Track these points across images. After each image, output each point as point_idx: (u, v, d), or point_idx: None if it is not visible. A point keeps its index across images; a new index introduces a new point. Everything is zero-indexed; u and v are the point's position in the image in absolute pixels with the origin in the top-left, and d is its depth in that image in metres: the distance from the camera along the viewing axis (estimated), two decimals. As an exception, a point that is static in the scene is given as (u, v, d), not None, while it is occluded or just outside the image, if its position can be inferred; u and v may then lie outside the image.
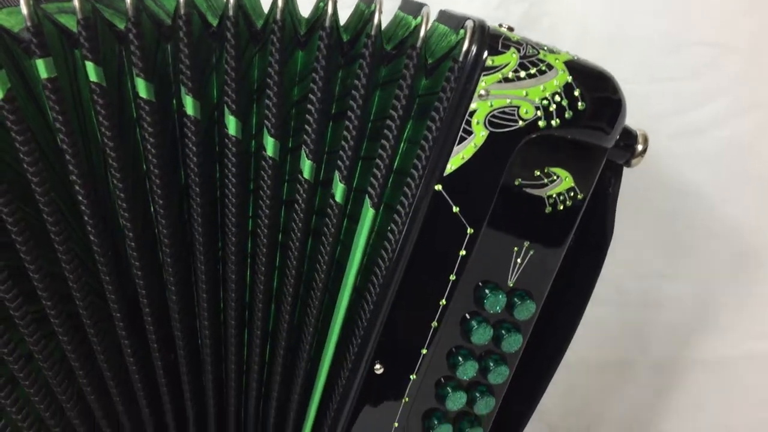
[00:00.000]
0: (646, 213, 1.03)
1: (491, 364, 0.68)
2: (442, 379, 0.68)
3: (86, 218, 0.56)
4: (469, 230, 0.60)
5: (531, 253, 0.64)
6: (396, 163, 0.61)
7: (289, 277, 0.64)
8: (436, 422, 0.70)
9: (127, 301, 0.62)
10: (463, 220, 0.60)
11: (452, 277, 0.62)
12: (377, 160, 0.59)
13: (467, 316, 0.65)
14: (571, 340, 0.75)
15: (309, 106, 0.58)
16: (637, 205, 1.01)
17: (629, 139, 0.63)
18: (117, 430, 0.69)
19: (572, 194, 0.62)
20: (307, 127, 0.58)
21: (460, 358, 0.66)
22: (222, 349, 0.68)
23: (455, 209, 0.59)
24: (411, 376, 0.65)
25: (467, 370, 0.67)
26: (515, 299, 0.65)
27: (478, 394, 0.70)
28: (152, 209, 0.60)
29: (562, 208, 0.63)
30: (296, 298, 0.66)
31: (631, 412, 1.15)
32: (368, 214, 0.61)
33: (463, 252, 0.61)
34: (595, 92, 0.58)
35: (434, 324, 0.64)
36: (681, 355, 1.11)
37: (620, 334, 1.10)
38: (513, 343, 0.67)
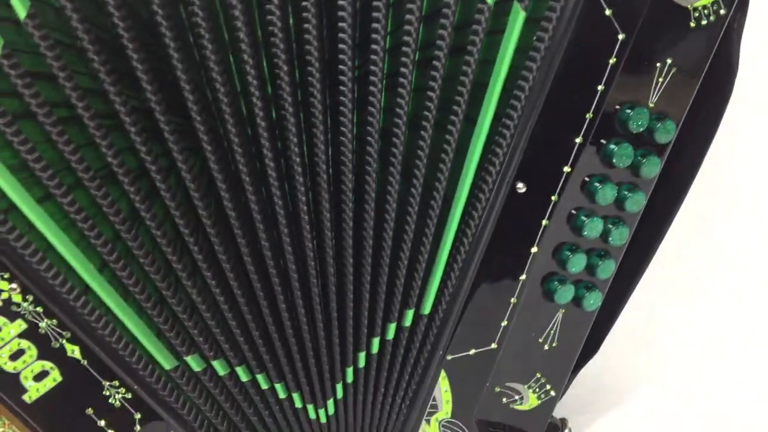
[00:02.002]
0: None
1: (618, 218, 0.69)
2: (575, 214, 0.68)
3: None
4: (621, 36, 0.61)
5: (673, 71, 0.65)
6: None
7: (433, 98, 0.64)
8: (557, 284, 0.70)
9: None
10: (615, 24, 0.61)
11: (600, 87, 0.63)
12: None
13: (603, 141, 0.66)
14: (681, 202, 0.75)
15: None
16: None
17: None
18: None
19: (716, 8, 0.63)
20: None
21: (596, 185, 0.67)
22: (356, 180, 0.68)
23: (608, 12, 0.60)
24: (552, 197, 0.66)
25: (595, 227, 0.68)
26: (656, 122, 0.66)
27: (598, 259, 0.71)
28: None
29: (705, 23, 0.64)
30: (435, 122, 0.66)
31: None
32: (518, 19, 0.62)
33: (612, 60, 0.62)
34: None
35: (578, 140, 0.65)
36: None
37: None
38: (651, 167, 0.67)
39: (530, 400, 0.76)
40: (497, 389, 0.74)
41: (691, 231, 0.94)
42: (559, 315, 0.72)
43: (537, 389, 0.76)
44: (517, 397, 0.75)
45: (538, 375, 0.75)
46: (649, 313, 0.98)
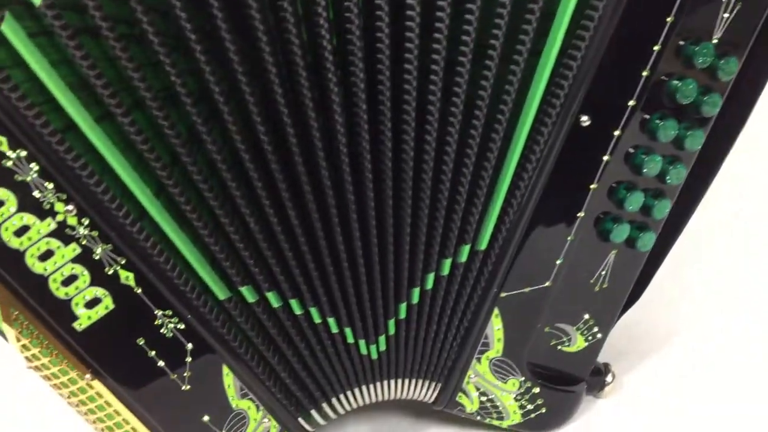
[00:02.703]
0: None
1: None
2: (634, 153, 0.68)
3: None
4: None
5: (738, 7, 0.64)
6: None
7: (501, 26, 0.63)
8: (612, 223, 0.70)
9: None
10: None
11: (669, 19, 0.62)
12: None
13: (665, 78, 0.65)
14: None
15: None
16: None
17: None
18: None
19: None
20: None
21: (658, 121, 0.66)
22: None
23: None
24: (615, 132, 0.66)
25: (655, 164, 0.68)
26: (718, 60, 0.66)
27: (653, 199, 0.70)
28: None
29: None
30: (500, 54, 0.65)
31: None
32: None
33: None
34: None
35: (645, 73, 0.64)
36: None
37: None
38: (713, 106, 0.67)
39: (578, 342, 0.76)
40: (547, 329, 0.74)
41: (733, 179, 0.94)
42: (612, 256, 0.72)
43: (585, 331, 0.75)
44: (564, 339, 0.75)
45: (587, 316, 0.75)
46: (690, 261, 0.98)
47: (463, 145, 0.64)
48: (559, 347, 0.76)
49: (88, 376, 0.68)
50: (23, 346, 0.67)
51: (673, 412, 0.79)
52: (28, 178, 0.60)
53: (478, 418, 0.75)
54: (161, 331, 0.66)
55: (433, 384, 0.73)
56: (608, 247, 0.72)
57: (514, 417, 0.75)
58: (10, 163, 0.59)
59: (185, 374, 0.68)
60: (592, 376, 0.79)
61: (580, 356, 0.77)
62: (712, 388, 0.82)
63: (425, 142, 0.63)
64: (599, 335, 0.76)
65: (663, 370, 0.85)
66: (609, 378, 0.80)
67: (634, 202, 0.69)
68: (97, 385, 0.68)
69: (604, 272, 0.73)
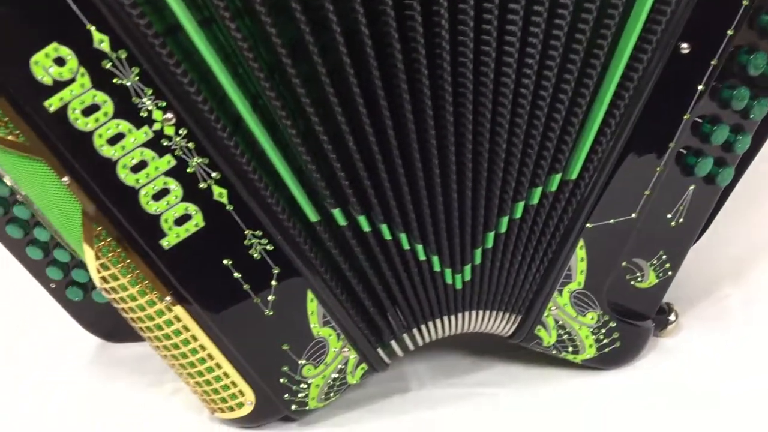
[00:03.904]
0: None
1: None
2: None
3: None
4: None
5: None
6: None
7: None
8: (695, 157, 0.71)
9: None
10: None
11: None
12: None
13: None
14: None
15: None
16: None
17: None
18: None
19: None
20: None
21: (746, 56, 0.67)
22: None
23: None
24: (712, 62, 0.66)
25: (742, 98, 0.68)
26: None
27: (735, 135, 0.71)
28: None
29: None
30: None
31: None
32: None
33: None
34: None
35: (745, 2, 0.64)
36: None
37: None
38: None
39: (650, 278, 0.76)
40: (624, 264, 0.74)
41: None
42: (690, 191, 0.72)
43: (658, 267, 0.76)
44: (638, 274, 0.75)
45: (661, 252, 0.75)
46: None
47: (562, 70, 0.63)
48: (632, 282, 0.76)
49: (168, 298, 0.65)
50: (101, 264, 0.64)
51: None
52: (128, 82, 0.57)
53: (554, 352, 0.75)
54: (249, 252, 0.64)
55: (513, 316, 0.73)
56: (688, 182, 0.72)
57: (589, 351, 0.75)
58: (109, 65, 0.56)
59: (269, 299, 0.66)
60: (657, 315, 0.80)
61: (650, 293, 0.77)
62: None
63: (527, 66, 0.62)
64: (670, 272, 0.77)
65: (721, 314, 0.86)
66: (672, 317, 0.81)
67: (720, 136, 0.69)
68: (177, 308, 0.66)
69: (681, 207, 0.73)
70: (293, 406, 0.71)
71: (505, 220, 0.68)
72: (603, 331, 0.75)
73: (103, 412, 0.82)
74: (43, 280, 0.90)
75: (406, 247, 0.67)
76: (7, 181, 0.65)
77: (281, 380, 0.70)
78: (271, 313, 0.66)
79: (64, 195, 0.61)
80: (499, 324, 0.74)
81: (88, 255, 0.64)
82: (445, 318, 0.72)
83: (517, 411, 0.74)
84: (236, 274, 0.64)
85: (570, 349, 0.75)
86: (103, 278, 0.65)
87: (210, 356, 0.68)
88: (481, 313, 0.72)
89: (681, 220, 0.74)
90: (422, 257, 0.68)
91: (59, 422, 0.81)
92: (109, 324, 0.94)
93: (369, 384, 0.76)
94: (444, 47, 0.60)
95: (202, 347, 0.68)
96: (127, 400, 0.84)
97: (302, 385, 0.70)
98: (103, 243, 0.63)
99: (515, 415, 0.73)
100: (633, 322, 0.77)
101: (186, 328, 0.67)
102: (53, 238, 0.84)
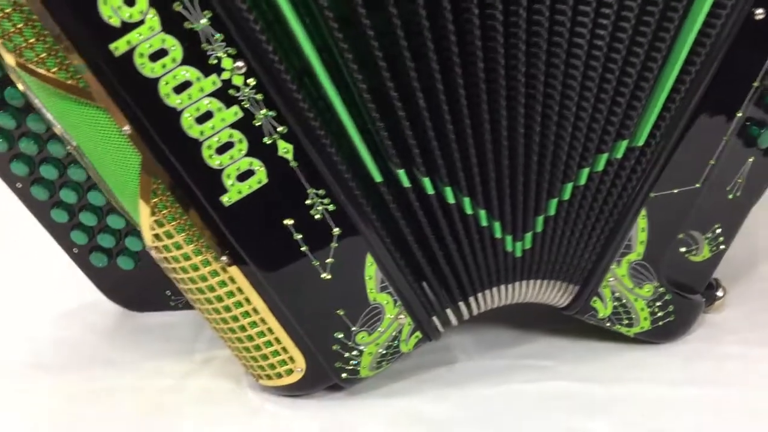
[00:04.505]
0: None
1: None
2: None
3: None
4: None
5: None
6: None
7: None
8: (757, 128, 0.69)
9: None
10: None
11: None
12: None
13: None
14: None
15: None
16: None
17: None
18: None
19: None
20: None
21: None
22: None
23: None
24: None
25: None
26: None
27: None
28: None
29: None
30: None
31: None
32: None
33: None
34: None
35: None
36: None
37: None
38: None
39: (704, 252, 0.75)
40: (681, 236, 0.73)
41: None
42: (749, 163, 0.71)
43: (712, 240, 0.75)
44: (693, 247, 0.74)
45: (717, 225, 0.74)
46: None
47: (636, 33, 0.62)
48: (686, 255, 0.75)
49: (224, 258, 0.63)
50: (156, 221, 0.61)
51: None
52: (199, 27, 0.54)
53: (608, 324, 0.74)
54: (311, 212, 0.62)
55: (571, 287, 0.71)
56: (748, 153, 0.71)
57: (643, 324, 0.74)
58: (180, 7, 0.53)
59: (327, 261, 0.64)
60: (706, 290, 0.79)
61: (702, 267, 0.76)
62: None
63: (602, 27, 0.60)
64: (722, 246, 0.76)
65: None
66: (720, 293, 0.80)
67: (786, 107, 0.68)
68: (232, 269, 0.63)
69: (739, 180, 0.72)
70: (344, 374, 0.69)
71: (569, 186, 0.66)
72: (658, 303, 0.74)
73: (131, 381, 0.79)
74: (66, 244, 0.87)
75: (469, 211, 0.65)
76: (57, 130, 0.61)
77: (334, 347, 0.67)
78: (329, 276, 0.64)
79: (122, 146, 0.58)
80: (556, 294, 0.72)
81: (143, 211, 0.61)
82: (503, 287, 0.70)
83: (571, 383, 0.72)
84: (296, 235, 0.62)
85: (625, 321, 0.74)
86: (156, 236, 0.62)
87: (262, 320, 0.66)
88: (538, 282, 0.71)
89: (738, 193, 0.73)
90: (484, 223, 0.66)
91: (85, 392, 0.78)
92: (131, 292, 0.92)
93: (414, 355, 0.74)
94: (521, 3, 0.58)
95: (255, 311, 0.66)
96: (155, 369, 0.81)
97: (354, 353, 0.68)
98: (159, 198, 0.60)
99: (570, 388, 0.71)
100: (687, 296, 0.76)
101: (240, 290, 0.64)
102: (79, 201, 0.81)
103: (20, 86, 0.61)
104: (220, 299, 0.65)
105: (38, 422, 0.73)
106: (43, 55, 0.55)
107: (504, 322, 0.82)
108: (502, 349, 0.79)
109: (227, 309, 0.66)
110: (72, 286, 0.96)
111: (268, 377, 0.71)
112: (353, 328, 0.67)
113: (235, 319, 0.66)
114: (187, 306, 0.91)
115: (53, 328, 0.92)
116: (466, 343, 0.80)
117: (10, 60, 0.56)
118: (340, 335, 0.67)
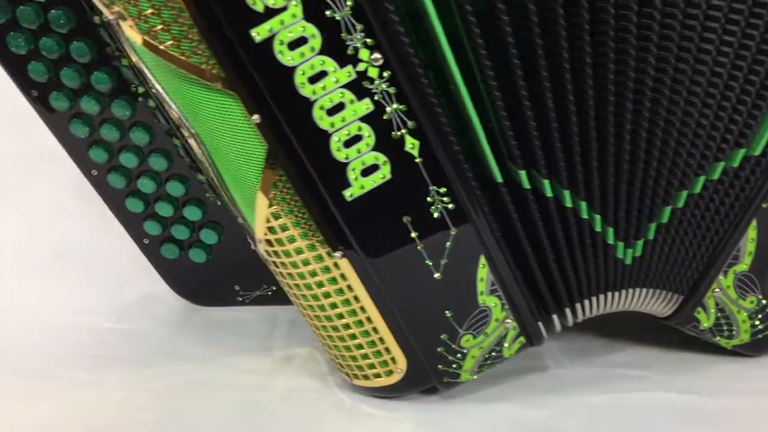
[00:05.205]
0: None
1: None
2: None
3: None
4: None
5: None
6: None
7: None
8: None
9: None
10: None
11: None
12: None
13: None
14: None
15: None
16: None
17: None
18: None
19: None
20: None
21: None
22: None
23: None
24: None
25: None
26: None
27: None
28: None
29: None
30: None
31: None
32: None
33: None
34: None
35: None
36: None
37: None
38: None
39: (803, 265, 0.74)
40: (785, 247, 0.72)
41: None
42: None
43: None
44: (794, 260, 0.74)
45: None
46: None
47: (763, 42, 0.61)
48: (785, 267, 0.74)
49: (338, 253, 0.61)
50: (273, 213, 0.60)
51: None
52: (340, 16, 0.53)
53: (708, 335, 0.72)
54: (430, 209, 0.60)
55: (675, 296, 0.70)
56: None
57: (743, 336, 0.73)
58: (324, -7, 0.52)
59: (441, 261, 0.62)
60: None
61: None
62: None
63: (730, 33, 0.59)
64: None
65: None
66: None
67: None
68: (344, 265, 0.62)
69: None
70: (445, 378, 0.68)
71: (683, 194, 0.65)
72: (760, 316, 0.72)
73: (216, 377, 0.78)
74: (137, 235, 0.86)
75: (585, 216, 0.64)
76: (174, 113, 0.60)
77: (438, 349, 0.66)
78: (440, 276, 0.63)
79: (248, 136, 0.57)
80: (660, 304, 0.71)
81: (261, 202, 0.60)
82: (609, 294, 0.69)
83: (671, 394, 0.71)
84: (413, 233, 0.61)
85: (725, 333, 0.73)
86: (271, 228, 0.61)
87: (368, 319, 0.65)
88: (644, 291, 0.70)
89: None
90: (598, 228, 0.65)
91: (173, 387, 0.76)
92: (199, 285, 0.91)
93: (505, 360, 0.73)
94: (656, 6, 0.57)
95: (362, 309, 0.64)
96: (236, 366, 0.80)
97: (458, 356, 0.67)
98: (279, 191, 0.59)
99: (671, 399, 0.70)
100: (787, 310, 0.75)
101: (350, 288, 0.63)
102: (157, 190, 0.80)
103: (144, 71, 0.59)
104: (327, 295, 0.64)
105: (133, 416, 0.71)
106: (179, 37, 0.53)
107: (590, 330, 0.81)
108: (591, 357, 0.77)
109: (333, 306, 0.65)
110: (129, 278, 0.95)
111: (365, 377, 0.69)
112: (459, 330, 0.66)
113: (340, 316, 0.65)
114: (255, 302, 0.91)
115: (118, 321, 0.90)
116: (554, 351, 0.78)
117: (136, 38, 0.55)
118: (445, 337, 0.66)
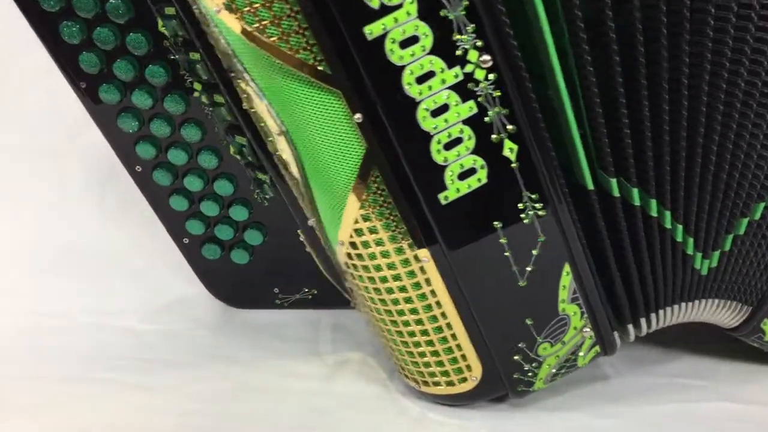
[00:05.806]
0: None
1: None
2: None
3: None
4: None
5: None
6: None
7: None
8: None
9: None
10: None
11: None
12: None
13: None
14: None
15: None
16: None
17: None
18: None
19: None
20: None
21: None
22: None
23: None
24: None
25: None
26: None
27: None
28: None
29: None
30: None
31: None
32: None
33: None
34: None
35: None
36: None
37: None
38: None
39: None
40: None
41: None
42: None
43: None
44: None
45: None
46: None
47: None
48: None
49: (425, 258, 0.60)
50: (363, 215, 0.59)
51: None
52: (453, 15, 0.52)
53: (769, 347, 0.73)
54: (521, 215, 0.59)
55: (744, 308, 0.70)
56: None
57: (807, 347, 0.74)
58: (440, -8, 0.51)
59: (527, 269, 0.62)
60: None
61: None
62: None
63: None
64: None
65: None
66: None
67: None
68: (431, 270, 0.61)
69: None
70: (519, 386, 0.67)
71: (761, 206, 0.66)
72: (825, 327, 0.73)
73: (270, 381, 0.76)
74: (178, 234, 0.83)
75: (668, 225, 0.64)
76: (260, 109, 0.58)
77: (515, 356, 0.65)
78: (525, 283, 0.62)
79: (347, 135, 0.55)
80: (728, 315, 0.71)
81: (351, 204, 0.58)
82: (683, 304, 0.69)
83: (737, 404, 0.71)
84: (502, 239, 0.60)
85: (790, 344, 0.73)
86: (358, 230, 0.59)
87: (448, 325, 0.63)
88: (716, 302, 0.70)
89: None
90: (679, 238, 0.65)
91: (230, 390, 0.74)
92: (237, 287, 0.89)
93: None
94: (752, 19, 0.57)
95: (444, 315, 0.63)
96: (287, 370, 0.78)
97: (534, 364, 0.66)
98: (372, 192, 0.58)
99: (739, 409, 0.70)
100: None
101: (434, 293, 0.62)
102: (203, 189, 0.78)
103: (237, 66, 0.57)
104: (409, 301, 0.63)
105: (190, 422, 0.69)
106: (289, 32, 0.52)
107: (646, 339, 0.81)
108: (649, 366, 0.77)
109: (414, 311, 0.63)
110: (158, 279, 0.93)
111: (436, 384, 0.68)
112: (537, 339, 0.65)
113: (420, 322, 0.64)
114: (293, 305, 0.89)
115: (155, 322, 0.88)
116: (612, 359, 0.77)
117: (235, 26, 0.53)
118: (524, 345, 0.65)
